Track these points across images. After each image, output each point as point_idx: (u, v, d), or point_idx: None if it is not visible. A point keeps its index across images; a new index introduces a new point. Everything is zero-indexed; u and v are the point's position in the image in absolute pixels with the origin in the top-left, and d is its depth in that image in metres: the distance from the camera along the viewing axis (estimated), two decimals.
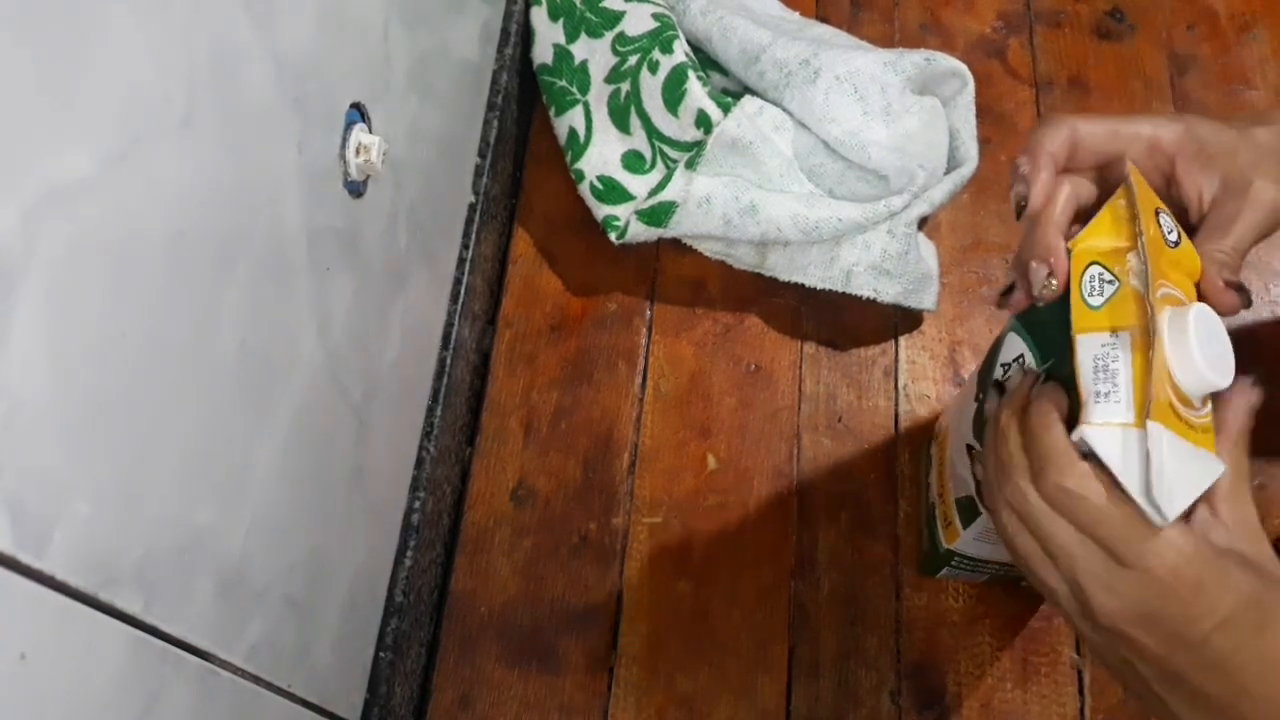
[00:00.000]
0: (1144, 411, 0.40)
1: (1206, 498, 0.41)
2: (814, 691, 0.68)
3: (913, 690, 0.68)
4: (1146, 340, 0.41)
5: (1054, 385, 0.45)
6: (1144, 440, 0.40)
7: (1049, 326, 0.48)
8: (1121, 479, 0.40)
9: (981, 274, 0.80)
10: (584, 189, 0.78)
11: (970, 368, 0.77)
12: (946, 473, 0.64)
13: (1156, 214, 0.44)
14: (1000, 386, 0.52)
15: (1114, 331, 0.42)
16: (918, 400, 0.76)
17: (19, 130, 0.28)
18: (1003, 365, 0.53)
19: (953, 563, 0.65)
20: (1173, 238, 0.44)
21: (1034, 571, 0.44)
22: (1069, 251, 0.45)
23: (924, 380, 0.77)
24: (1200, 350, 0.41)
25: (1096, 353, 0.42)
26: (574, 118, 0.80)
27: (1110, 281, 0.43)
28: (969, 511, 0.59)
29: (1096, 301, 0.43)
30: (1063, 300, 0.45)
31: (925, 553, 0.69)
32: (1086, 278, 0.44)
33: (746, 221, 0.72)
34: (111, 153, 0.32)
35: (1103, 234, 0.45)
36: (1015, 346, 0.52)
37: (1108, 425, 0.41)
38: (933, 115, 0.74)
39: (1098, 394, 0.42)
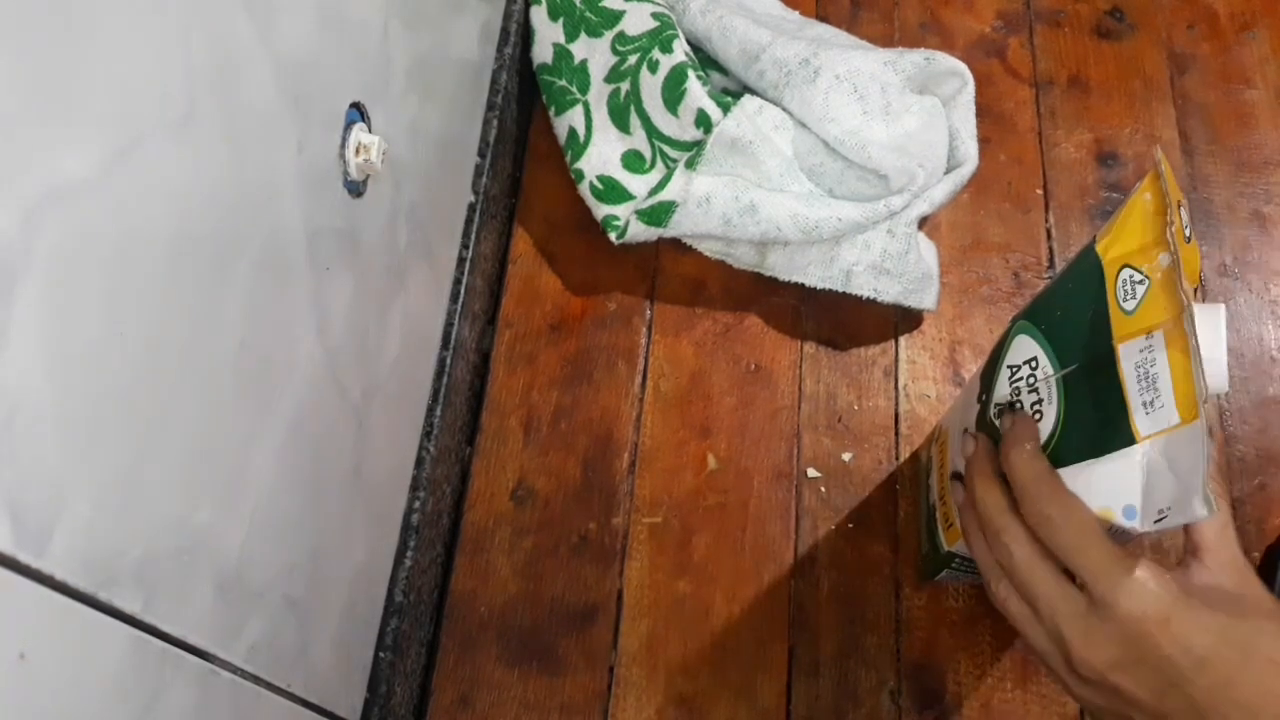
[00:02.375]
0: (1194, 405, 0.40)
1: (1192, 539, 0.42)
2: (814, 691, 0.68)
3: (913, 690, 0.67)
4: (1180, 333, 0.41)
5: (1023, 416, 0.45)
6: (1193, 435, 0.39)
7: (1069, 328, 0.47)
8: (1187, 479, 0.39)
9: (981, 274, 0.80)
10: (584, 188, 0.78)
11: (970, 367, 0.77)
12: (948, 474, 0.64)
13: (1179, 206, 0.44)
14: (997, 415, 0.52)
15: (1148, 333, 0.42)
16: (918, 400, 0.76)
17: (19, 130, 0.28)
18: (1010, 367, 0.52)
19: (953, 564, 0.64)
20: (1188, 233, 0.44)
21: (1024, 633, 0.44)
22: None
23: (924, 380, 0.77)
24: (1226, 348, 0.41)
25: (1137, 359, 0.42)
26: (574, 117, 0.80)
27: (1140, 281, 0.43)
28: None
29: (1130, 306, 0.43)
30: (1085, 300, 0.45)
31: (924, 556, 0.69)
32: (1120, 283, 0.44)
33: (746, 221, 0.72)
34: (111, 152, 0.32)
35: (1131, 234, 0.44)
36: (1026, 348, 0.51)
37: (1161, 434, 0.41)
38: (932, 115, 0.74)
39: (1145, 404, 0.41)
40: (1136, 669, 0.40)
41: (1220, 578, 0.41)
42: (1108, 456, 0.44)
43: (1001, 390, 0.52)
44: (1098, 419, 0.42)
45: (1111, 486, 0.44)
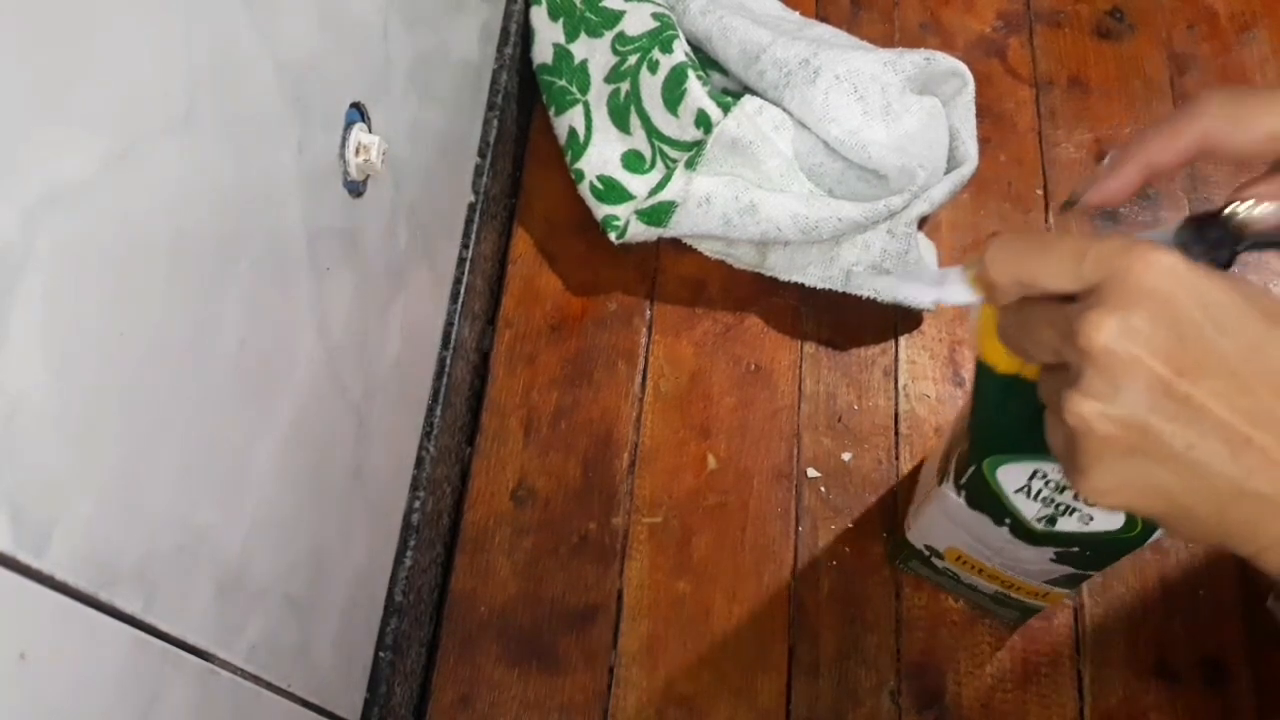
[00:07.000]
0: None
1: None
2: (814, 691, 0.68)
3: (913, 690, 0.67)
4: None
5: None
6: None
7: (1038, 433, 0.41)
8: None
9: None
10: (584, 188, 0.78)
11: (971, 367, 0.77)
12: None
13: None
14: (1049, 522, 0.52)
15: None
16: (918, 400, 0.76)
17: (18, 130, 0.28)
18: (1021, 491, 0.51)
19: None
20: None
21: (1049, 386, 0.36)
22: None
23: (924, 380, 0.77)
24: None
25: None
26: (574, 117, 0.80)
27: None
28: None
29: None
30: (1023, 404, 0.42)
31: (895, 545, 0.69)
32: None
33: (746, 221, 0.72)
34: (111, 153, 0.32)
35: (993, 339, 0.43)
36: (1018, 473, 0.50)
37: None
38: (932, 115, 0.74)
39: None
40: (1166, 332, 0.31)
41: None
42: None
43: (1029, 511, 0.52)
44: None
45: None
